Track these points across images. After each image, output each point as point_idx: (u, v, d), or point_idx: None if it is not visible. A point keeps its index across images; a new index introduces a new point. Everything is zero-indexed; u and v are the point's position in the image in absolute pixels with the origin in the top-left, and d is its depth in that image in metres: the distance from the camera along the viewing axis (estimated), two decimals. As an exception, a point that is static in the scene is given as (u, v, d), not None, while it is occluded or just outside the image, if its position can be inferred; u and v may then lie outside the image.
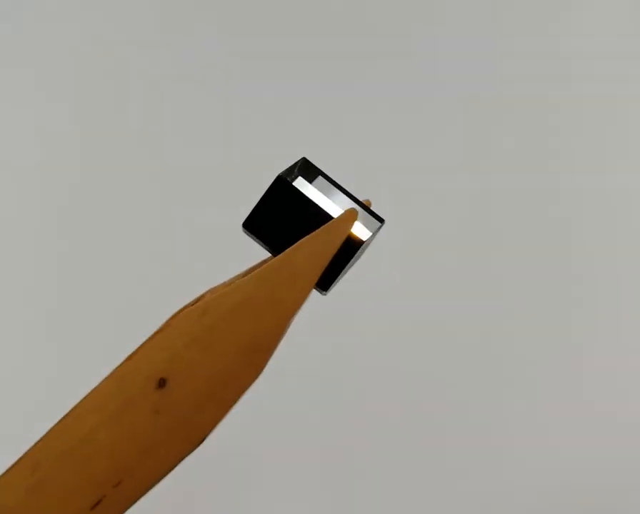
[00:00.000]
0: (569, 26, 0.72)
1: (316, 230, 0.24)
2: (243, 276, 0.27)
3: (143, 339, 0.28)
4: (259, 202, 0.26)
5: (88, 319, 0.69)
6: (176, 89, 0.72)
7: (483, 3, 0.72)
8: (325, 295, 0.26)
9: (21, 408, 0.68)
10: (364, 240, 0.26)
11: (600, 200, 0.72)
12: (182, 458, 0.23)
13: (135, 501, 0.23)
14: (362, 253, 0.27)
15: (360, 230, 0.26)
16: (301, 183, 0.26)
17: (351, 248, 0.26)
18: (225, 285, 0.26)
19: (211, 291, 0.26)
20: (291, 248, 0.24)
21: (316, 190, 0.26)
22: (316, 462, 0.66)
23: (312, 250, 0.24)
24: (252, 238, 0.26)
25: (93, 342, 0.68)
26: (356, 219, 0.25)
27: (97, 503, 0.23)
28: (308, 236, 0.24)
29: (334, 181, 0.27)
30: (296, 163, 0.27)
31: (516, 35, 0.72)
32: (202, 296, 0.26)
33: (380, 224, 0.26)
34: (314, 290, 0.25)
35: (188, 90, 0.72)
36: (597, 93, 0.72)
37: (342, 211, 0.25)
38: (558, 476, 0.69)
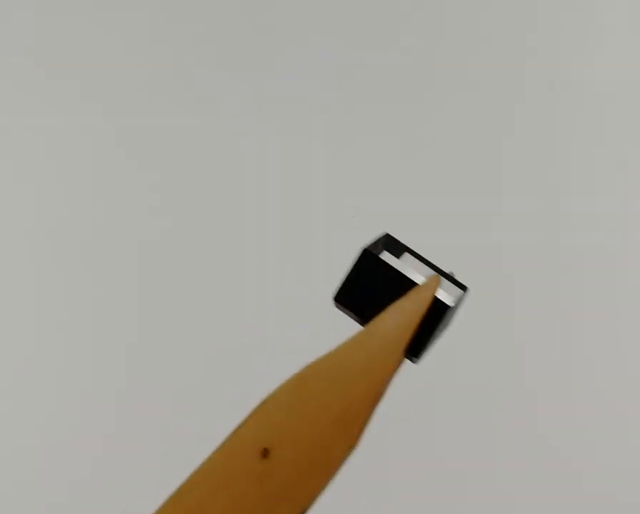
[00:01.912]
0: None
1: (401, 298, 0.25)
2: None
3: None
4: (347, 275, 0.27)
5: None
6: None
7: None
8: (416, 363, 0.28)
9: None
10: (449, 304, 0.27)
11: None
12: None
13: None
14: (449, 320, 0.28)
15: (445, 297, 0.28)
16: (386, 256, 0.27)
17: (437, 314, 0.27)
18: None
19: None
20: (377, 316, 0.25)
21: (400, 262, 0.27)
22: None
23: (398, 318, 0.25)
24: (342, 310, 0.27)
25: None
26: (437, 285, 0.26)
27: None
28: (393, 304, 0.25)
29: (417, 254, 0.28)
30: (379, 238, 0.28)
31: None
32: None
33: (464, 291, 0.27)
34: (406, 359, 0.26)
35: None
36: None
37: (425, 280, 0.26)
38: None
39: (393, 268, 0.27)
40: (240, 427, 0.23)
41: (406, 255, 0.28)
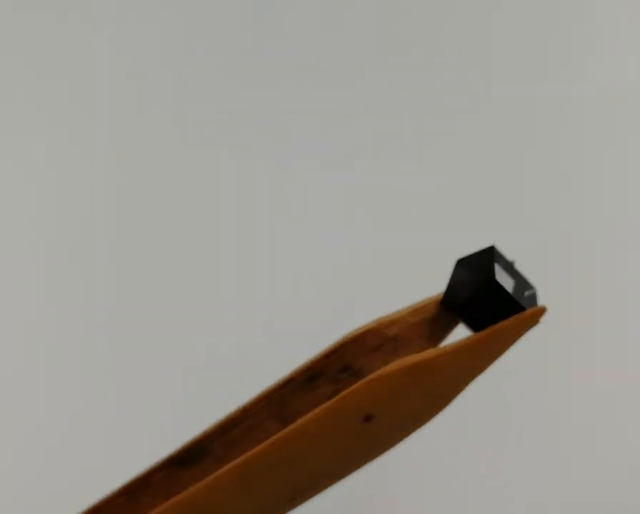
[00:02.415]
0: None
1: (512, 318, 0.29)
2: (411, 314, 0.32)
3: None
4: (470, 297, 0.30)
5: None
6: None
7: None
8: None
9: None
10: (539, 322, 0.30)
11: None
12: (365, 465, 0.29)
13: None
14: None
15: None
16: (498, 275, 0.30)
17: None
18: (390, 320, 0.31)
19: (378, 324, 0.31)
20: (492, 328, 0.29)
21: (505, 275, 0.30)
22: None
23: (508, 333, 0.28)
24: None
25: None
26: (543, 314, 0.29)
27: (292, 498, 0.30)
28: (506, 321, 0.29)
29: (516, 270, 0.31)
30: (490, 253, 0.30)
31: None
32: (369, 327, 0.31)
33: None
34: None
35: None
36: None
37: (530, 297, 0.30)
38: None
39: (510, 295, 0.30)
40: (346, 395, 0.27)
41: (507, 267, 0.31)
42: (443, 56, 0.76)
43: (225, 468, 0.29)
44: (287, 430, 0.28)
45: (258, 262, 0.72)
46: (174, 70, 0.75)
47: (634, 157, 0.76)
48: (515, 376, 0.71)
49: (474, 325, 0.30)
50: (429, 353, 0.28)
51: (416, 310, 0.32)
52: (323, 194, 0.74)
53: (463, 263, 0.31)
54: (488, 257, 0.30)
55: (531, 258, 0.72)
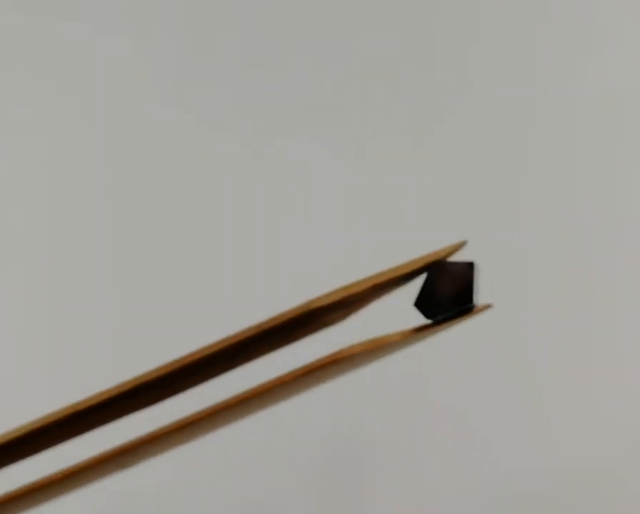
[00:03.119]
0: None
1: (465, 316, 0.30)
2: (373, 289, 0.32)
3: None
4: (443, 311, 0.30)
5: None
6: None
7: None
8: None
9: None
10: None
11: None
12: None
13: None
14: None
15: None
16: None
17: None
18: (353, 293, 0.33)
19: (340, 296, 0.33)
20: (449, 323, 0.30)
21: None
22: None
23: (455, 324, 0.30)
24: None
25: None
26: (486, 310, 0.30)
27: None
28: (458, 318, 0.30)
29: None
30: (471, 272, 0.30)
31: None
32: (333, 299, 0.32)
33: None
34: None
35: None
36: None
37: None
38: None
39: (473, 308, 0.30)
40: (316, 367, 0.29)
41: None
42: (442, 56, 0.77)
43: (206, 410, 0.30)
44: (258, 386, 0.29)
45: (258, 262, 0.73)
46: (174, 62, 0.76)
47: (634, 157, 0.76)
48: (512, 370, 0.71)
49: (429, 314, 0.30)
50: (393, 337, 0.29)
51: (378, 286, 0.33)
52: (323, 193, 0.75)
53: (441, 270, 0.30)
54: (469, 278, 0.29)
55: (531, 258, 0.72)
